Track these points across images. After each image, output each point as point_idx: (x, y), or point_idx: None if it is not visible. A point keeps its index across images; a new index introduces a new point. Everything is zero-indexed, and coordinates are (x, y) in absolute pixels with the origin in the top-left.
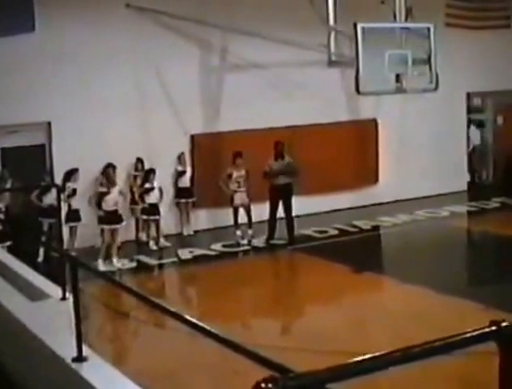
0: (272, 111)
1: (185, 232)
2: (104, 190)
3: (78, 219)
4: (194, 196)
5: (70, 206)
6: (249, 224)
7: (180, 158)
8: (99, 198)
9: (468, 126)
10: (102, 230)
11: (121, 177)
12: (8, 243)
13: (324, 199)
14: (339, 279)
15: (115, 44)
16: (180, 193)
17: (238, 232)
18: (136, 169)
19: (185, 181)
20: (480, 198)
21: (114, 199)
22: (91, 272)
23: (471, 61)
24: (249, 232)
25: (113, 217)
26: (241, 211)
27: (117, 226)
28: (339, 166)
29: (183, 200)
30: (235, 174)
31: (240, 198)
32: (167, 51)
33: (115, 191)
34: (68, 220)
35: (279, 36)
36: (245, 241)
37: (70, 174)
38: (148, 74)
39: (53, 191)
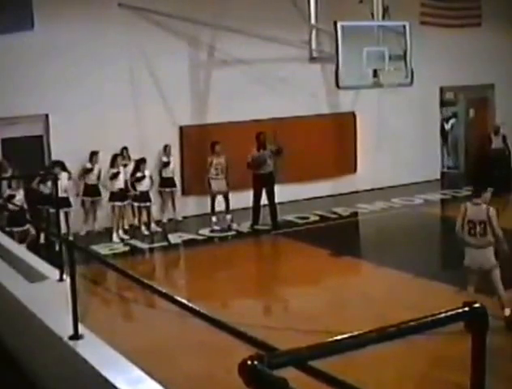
0: (257, 104)
1: (164, 219)
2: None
3: (67, 205)
4: (176, 186)
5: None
6: (227, 209)
7: (165, 149)
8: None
9: (449, 119)
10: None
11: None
12: (28, 226)
13: (305, 187)
14: (319, 263)
15: (109, 41)
16: (163, 182)
17: (213, 219)
18: (123, 159)
19: (169, 172)
20: (452, 186)
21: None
22: (88, 255)
23: (445, 58)
24: (228, 217)
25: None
26: (219, 198)
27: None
28: (319, 156)
29: (167, 189)
30: (214, 161)
31: (217, 185)
32: (158, 47)
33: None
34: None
35: (263, 33)
36: (217, 228)
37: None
38: (140, 70)
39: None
